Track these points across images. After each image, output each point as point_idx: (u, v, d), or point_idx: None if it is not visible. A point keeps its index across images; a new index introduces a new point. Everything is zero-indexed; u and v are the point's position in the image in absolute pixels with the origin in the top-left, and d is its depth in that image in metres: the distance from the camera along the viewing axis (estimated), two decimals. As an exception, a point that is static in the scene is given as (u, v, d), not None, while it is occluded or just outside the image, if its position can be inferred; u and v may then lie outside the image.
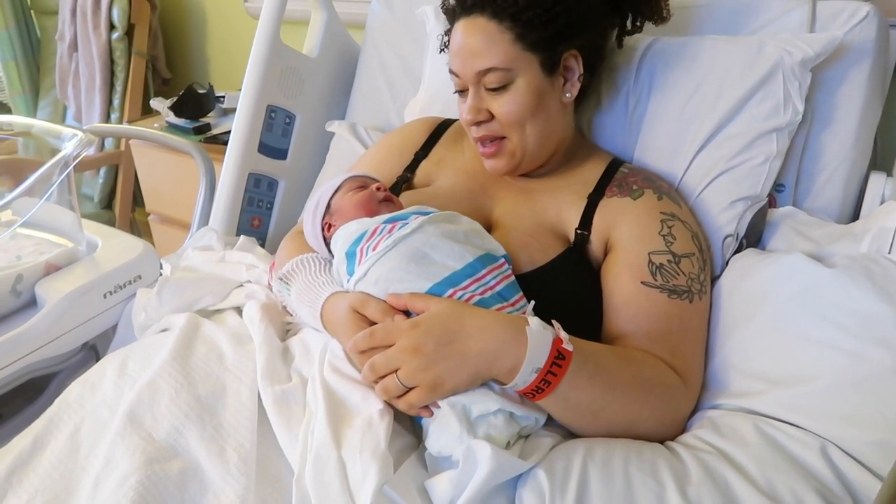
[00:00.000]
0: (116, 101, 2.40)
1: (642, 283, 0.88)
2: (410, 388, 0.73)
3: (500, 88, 0.93)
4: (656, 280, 0.88)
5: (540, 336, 0.72)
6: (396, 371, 0.73)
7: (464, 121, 0.98)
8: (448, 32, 1.02)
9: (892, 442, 0.69)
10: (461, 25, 0.93)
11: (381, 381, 0.75)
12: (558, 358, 0.71)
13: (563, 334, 0.73)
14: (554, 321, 0.75)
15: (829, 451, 0.71)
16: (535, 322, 0.73)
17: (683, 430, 0.83)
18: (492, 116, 0.95)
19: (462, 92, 0.97)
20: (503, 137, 0.97)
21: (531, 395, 0.73)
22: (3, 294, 1.07)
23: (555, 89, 0.96)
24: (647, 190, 0.97)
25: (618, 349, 0.84)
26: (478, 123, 0.96)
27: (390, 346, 0.75)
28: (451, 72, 0.97)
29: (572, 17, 0.92)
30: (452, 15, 0.97)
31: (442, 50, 1.07)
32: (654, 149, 1.09)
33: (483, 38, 0.91)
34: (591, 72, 1.02)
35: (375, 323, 0.80)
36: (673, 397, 0.82)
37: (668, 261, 0.89)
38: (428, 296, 0.78)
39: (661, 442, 0.79)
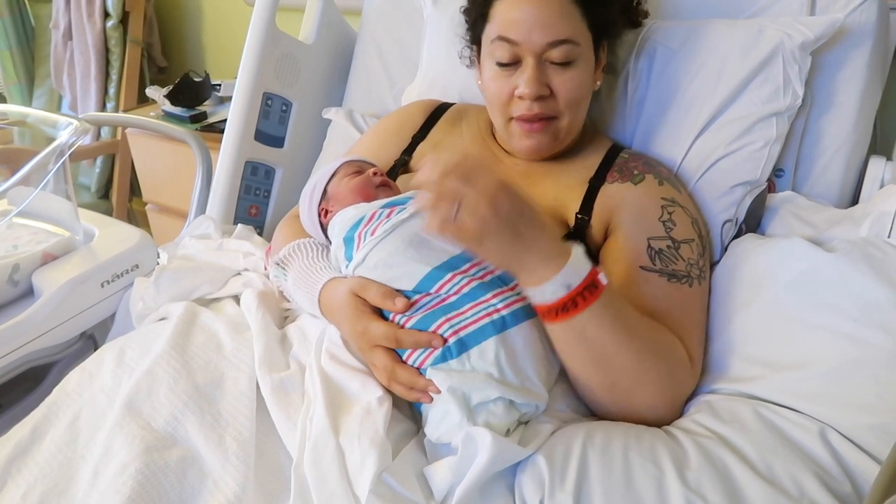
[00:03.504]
0: (112, 90, 2.39)
1: (641, 267, 0.87)
2: (454, 222, 0.68)
3: (567, 64, 0.90)
4: (655, 265, 0.88)
5: (582, 260, 0.72)
6: (458, 206, 0.68)
7: (523, 94, 0.91)
8: (482, 2, 0.96)
9: (891, 425, 0.69)
10: None
11: (439, 199, 0.69)
12: (591, 286, 0.71)
13: (601, 271, 0.73)
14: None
15: (828, 436, 0.71)
16: (579, 249, 0.72)
17: (681, 413, 0.83)
18: (551, 93, 0.92)
19: (508, 66, 0.92)
20: (555, 117, 0.94)
21: (554, 313, 0.72)
22: (0, 284, 1.07)
23: (593, 75, 0.97)
24: (647, 175, 0.97)
25: (641, 314, 0.83)
26: (539, 98, 0.91)
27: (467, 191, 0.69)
28: (502, 39, 0.90)
29: (622, 5, 0.95)
30: None
31: (472, 24, 1.00)
32: (654, 134, 1.09)
33: (556, 10, 0.88)
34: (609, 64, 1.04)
35: (376, 308, 0.79)
36: (679, 370, 0.82)
37: (668, 246, 0.89)
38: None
39: (659, 426, 0.79)
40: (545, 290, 0.71)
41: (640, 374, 0.78)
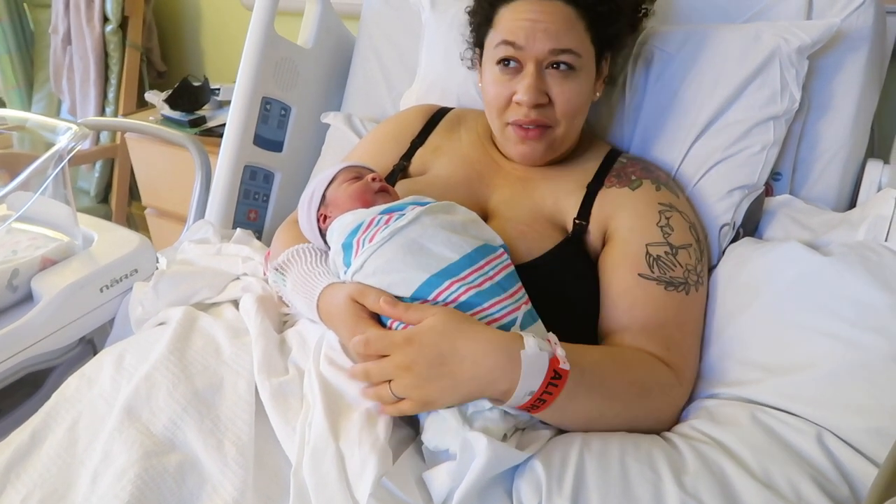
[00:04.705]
0: (111, 95, 2.39)
1: (639, 275, 0.88)
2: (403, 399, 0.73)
3: (567, 73, 0.91)
4: (653, 272, 0.88)
5: (535, 359, 0.69)
6: (390, 382, 0.73)
7: (521, 100, 0.91)
8: (487, 7, 0.96)
9: (888, 428, 0.70)
10: (533, 2, 0.90)
11: (375, 388, 0.74)
12: (555, 378, 0.69)
13: (560, 352, 0.70)
14: (551, 335, 0.73)
15: (824, 439, 0.71)
16: (530, 344, 0.69)
17: (679, 419, 0.83)
18: (549, 101, 0.93)
19: (508, 65, 0.92)
20: (550, 126, 0.94)
21: (527, 410, 0.72)
22: (-1, 289, 1.07)
23: (593, 86, 0.97)
24: (645, 180, 0.97)
25: (614, 352, 0.83)
26: (537, 106, 0.92)
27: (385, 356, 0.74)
28: (506, 43, 0.91)
29: (627, 21, 0.96)
30: None
31: (476, 27, 1.01)
32: (651, 138, 1.09)
33: (562, 20, 0.89)
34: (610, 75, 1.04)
35: (374, 313, 0.79)
36: (668, 394, 0.83)
37: (666, 252, 0.89)
38: (423, 307, 0.76)
39: (657, 433, 0.80)
40: (511, 403, 0.70)
41: (630, 417, 0.79)
